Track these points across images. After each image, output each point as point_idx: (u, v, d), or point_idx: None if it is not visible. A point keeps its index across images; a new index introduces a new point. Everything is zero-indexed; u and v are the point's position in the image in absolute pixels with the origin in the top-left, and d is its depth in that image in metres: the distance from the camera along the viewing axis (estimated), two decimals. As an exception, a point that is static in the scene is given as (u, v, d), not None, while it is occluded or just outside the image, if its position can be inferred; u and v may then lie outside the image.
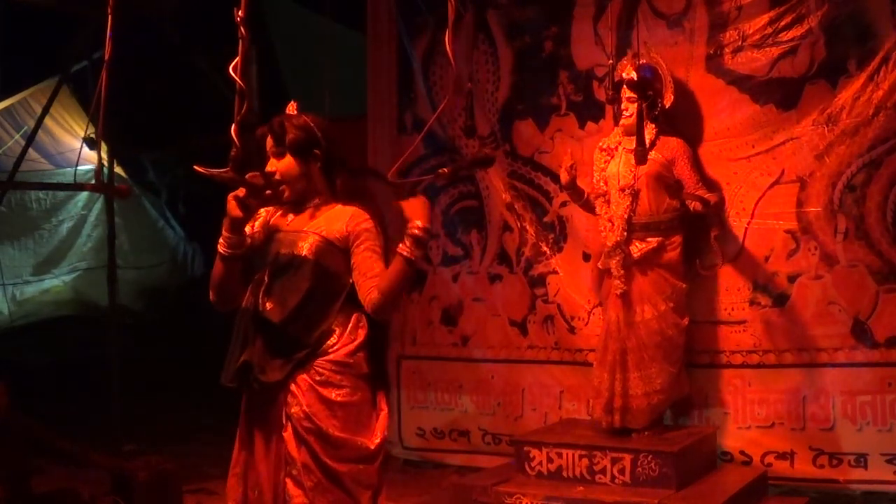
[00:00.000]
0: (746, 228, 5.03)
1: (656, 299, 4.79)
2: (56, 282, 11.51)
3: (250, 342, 2.78)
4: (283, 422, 2.78)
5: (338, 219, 2.82)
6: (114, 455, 4.99)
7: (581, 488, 4.48)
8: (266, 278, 2.82)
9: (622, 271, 4.76)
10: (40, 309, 11.11)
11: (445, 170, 3.07)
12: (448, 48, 2.73)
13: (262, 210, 2.92)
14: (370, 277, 2.76)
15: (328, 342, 2.78)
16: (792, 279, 4.94)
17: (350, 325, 2.81)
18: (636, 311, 4.78)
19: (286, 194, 2.83)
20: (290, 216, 2.89)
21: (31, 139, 8.58)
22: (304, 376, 2.76)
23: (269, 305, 2.79)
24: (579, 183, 4.98)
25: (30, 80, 9.30)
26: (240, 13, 2.60)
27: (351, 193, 2.89)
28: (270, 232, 2.88)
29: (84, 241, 11.53)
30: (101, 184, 3.09)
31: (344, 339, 2.79)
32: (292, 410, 2.75)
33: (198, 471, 6.02)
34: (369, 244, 2.80)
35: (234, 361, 2.79)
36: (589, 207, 5.10)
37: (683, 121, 5.12)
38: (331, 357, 2.77)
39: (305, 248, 2.78)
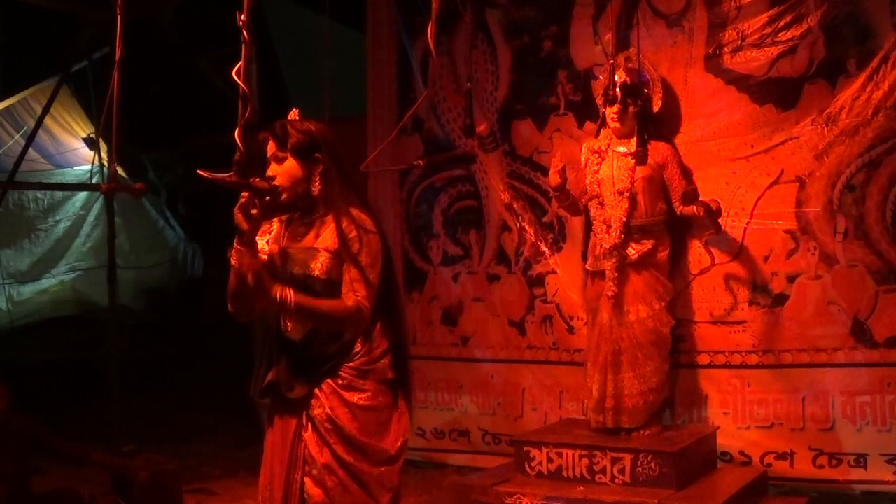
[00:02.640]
0: (746, 228, 5.03)
1: (651, 298, 4.80)
2: (55, 282, 11.51)
3: (275, 361, 2.85)
4: (304, 422, 2.81)
5: (339, 230, 2.82)
6: (114, 455, 4.99)
7: (581, 488, 4.47)
8: None
9: (616, 274, 4.76)
10: (40, 309, 11.11)
11: (421, 161, 3.08)
12: (430, 42, 2.73)
13: (273, 224, 2.94)
14: (346, 290, 2.78)
15: (354, 349, 2.82)
16: (791, 279, 4.94)
17: (373, 331, 2.85)
18: (630, 311, 4.78)
19: (285, 197, 2.83)
20: (301, 231, 2.89)
21: (31, 139, 8.60)
22: (329, 380, 2.81)
23: (290, 325, 2.85)
24: (569, 183, 4.98)
25: (30, 80, 9.31)
26: (242, 17, 2.60)
27: (350, 198, 2.89)
28: (283, 249, 2.89)
29: (83, 241, 11.53)
30: (118, 183, 3.08)
31: (367, 346, 2.83)
32: (315, 412, 2.80)
33: (198, 471, 6.03)
34: (353, 261, 2.80)
35: (262, 379, 2.87)
36: (573, 209, 5.10)
37: (681, 121, 5.13)
38: (354, 363, 2.82)
39: (318, 267, 2.80)
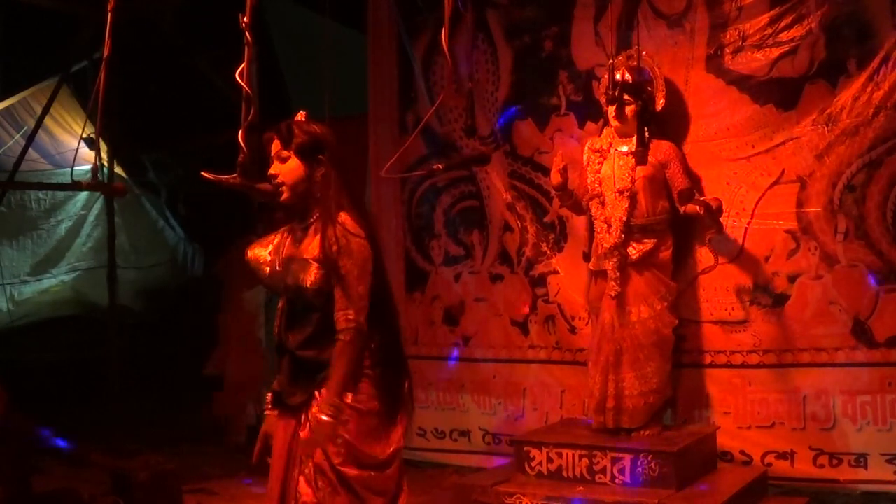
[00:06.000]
0: (746, 228, 5.03)
1: (652, 299, 4.81)
2: (55, 282, 11.50)
3: (278, 370, 2.93)
4: (302, 422, 2.85)
5: (323, 241, 2.82)
6: (114, 455, 5.00)
7: (581, 488, 4.47)
8: (284, 307, 2.92)
9: (618, 273, 4.76)
10: (40, 309, 11.10)
11: (439, 165, 3.09)
12: (444, 45, 2.73)
13: (276, 235, 2.97)
14: (338, 310, 2.80)
15: None
16: (792, 279, 4.94)
17: (370, 336, 2.86)
18: (631, 312, 4.78)
19: (285, 196, 2.86)
20: (298, 238, 2.91)
21: (31, 139, 8.59)
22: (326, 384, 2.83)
23: (289, 335, 2.90)
24: (570, 182, 4.98)
25: (30, 80, 9.30)
26: (245, 19, 2.60)
27: (344, 203, 2.89)
28: (284, 258, 2.92)
29: (83, 241, 11.52)
30: (98, 182, 3.11)
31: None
32: (312, 411, 2.82)
33: (198, 471, 6.03)
34: (336, 272, 2.80)
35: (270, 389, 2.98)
36: (577, 209, 5.11)
37: (682, 121, 5.13)
38: None
39: (309, 279, 2.82)
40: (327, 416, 2.74)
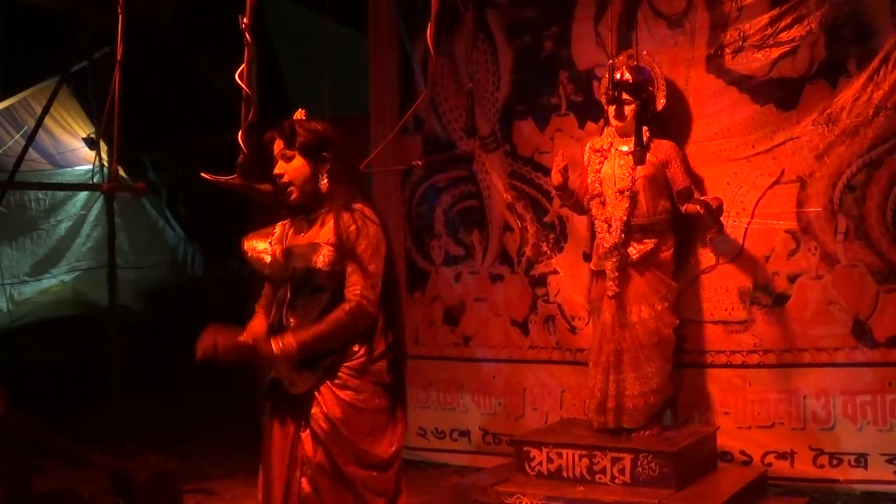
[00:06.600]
0: (747, 228, 5.03)
1: (653, 299, 4.80)
2: (55, 282, 11.51)
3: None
4: (303, 422, 2.83)
5: (339, 224, 2.83)
6: (114, 455, 4.99)
7: (581, 488, 4.47)
8: (288, 294, 2.88)
9: (617, 273, 4.76)
10: (40, 309, 11.11)
11: (419, 162, 3.12)
12: (429, 43, 2.75)
13: (276, 227, 2.96)
14: (348, 286, 2.81)
15: (352, 348, 2.83)
16: (792, 279, 4.94)
17: (374, 331, 2.86)
18: (631, 312, 4.78)
19: (294, 196, 2.86)
20: (304, 228, 2.91)
21: (31, 139, 8.60)
22: (327, 381, 2.82)
23: (293, 321, 2.85)
24: (571, 182, 4.98)
25: (30, 80, 9.30)
26: (245, 20, 2.61)
27: (355, 195, 2.90)
28: (286, 247, 2.91)
29: (83, 241, 11.53)
30: (119, 183, 3.13)
31: (367, 346, 2.84)
32: (313, 411, 2.81)
33: (198, 471, 6.03)
34: (352, 253, 2.81)
35: (266, 378, 2.92)
36: (578, 208, 5.11)
37: (683, 121, 5.13)
38: (352, 363, 2.83)
39: (320, 260, 2.81)
40: (277, 350, 2.73)
